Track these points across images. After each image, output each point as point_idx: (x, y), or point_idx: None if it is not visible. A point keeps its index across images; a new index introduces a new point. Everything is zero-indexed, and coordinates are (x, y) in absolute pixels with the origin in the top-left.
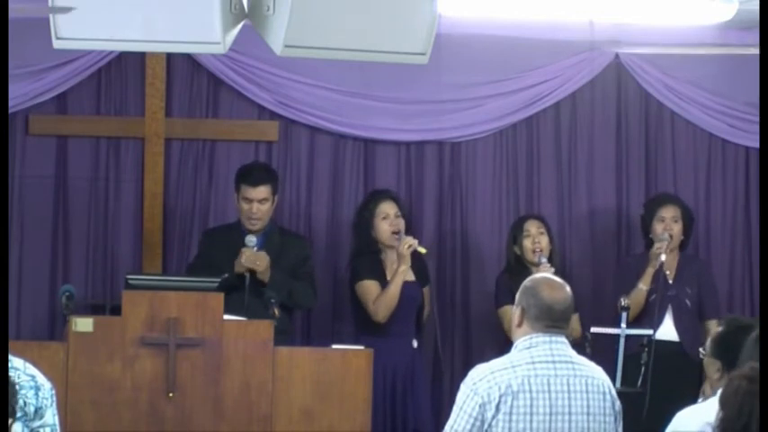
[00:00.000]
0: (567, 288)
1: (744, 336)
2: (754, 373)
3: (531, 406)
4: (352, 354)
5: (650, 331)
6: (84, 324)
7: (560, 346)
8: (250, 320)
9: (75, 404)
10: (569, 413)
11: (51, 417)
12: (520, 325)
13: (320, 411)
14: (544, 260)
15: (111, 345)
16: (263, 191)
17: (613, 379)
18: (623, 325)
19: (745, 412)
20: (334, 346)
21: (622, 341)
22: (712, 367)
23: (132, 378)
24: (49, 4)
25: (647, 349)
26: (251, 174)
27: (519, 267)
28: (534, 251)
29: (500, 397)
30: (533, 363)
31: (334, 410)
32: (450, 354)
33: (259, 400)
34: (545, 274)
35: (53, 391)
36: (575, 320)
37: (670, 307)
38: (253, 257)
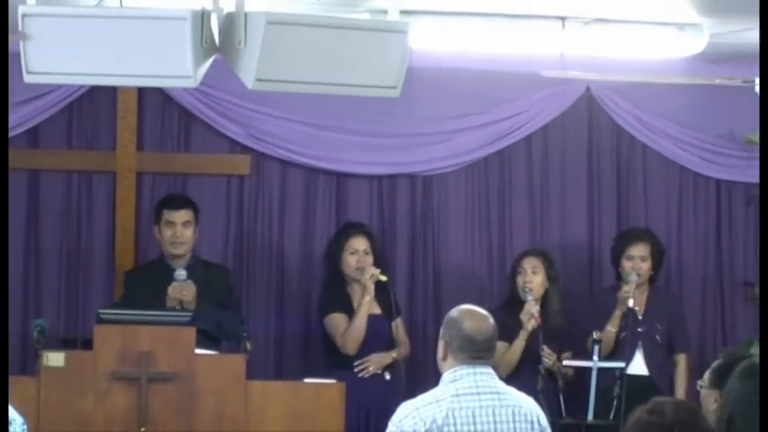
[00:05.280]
0: (490, 319)
1: None
2: (653, 405)
3: None
4: (324, 387)
5: (622, 364)
6: (55, 358)
7: (485, 377)
8: (222, 354)
9: None
10: None
11: None
12: (445, 358)
13: None
14: (530, 298)
15: (83, 379)
16: (185, 214)
17: (585, 411)
18: (595, 358)
19: None
20: (307, 380)
21: (594, 374)
22: (710, 398)
23: (104, 412)
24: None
25: (619, 382)
26: (172, 200)
27: (517, 303)
28: (524, 290)
29: None
30: (458, 395)
31: None
32: (423, 388)
33: None
34: (468, 306)
35: (25, 426)
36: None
37: (640, 343)
38: (179, 288)
